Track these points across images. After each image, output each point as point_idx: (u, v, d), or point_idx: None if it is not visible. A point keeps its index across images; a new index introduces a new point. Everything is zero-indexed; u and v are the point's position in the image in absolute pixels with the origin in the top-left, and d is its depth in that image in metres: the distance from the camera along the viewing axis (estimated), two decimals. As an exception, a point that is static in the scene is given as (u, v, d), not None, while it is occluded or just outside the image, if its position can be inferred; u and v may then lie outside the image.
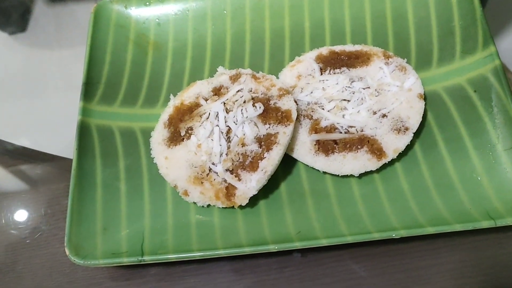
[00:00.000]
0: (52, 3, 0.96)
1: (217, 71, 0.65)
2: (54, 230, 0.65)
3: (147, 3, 0.73)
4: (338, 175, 0.57)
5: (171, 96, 0.65)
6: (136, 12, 0.73)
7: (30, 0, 0.96)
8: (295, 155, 0.59)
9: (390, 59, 0.62)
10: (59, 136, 0.77)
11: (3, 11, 0.96)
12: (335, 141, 0.58)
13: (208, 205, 0.58)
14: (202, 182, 0.57)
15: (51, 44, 0.91)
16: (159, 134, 0.62)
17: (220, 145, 0.58)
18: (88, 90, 0.66)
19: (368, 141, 0.57)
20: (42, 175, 0.71)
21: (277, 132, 0.57)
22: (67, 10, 0.95)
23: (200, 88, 0.65)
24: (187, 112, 0.62)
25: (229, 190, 0.56)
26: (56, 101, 0.83)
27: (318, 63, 0.64)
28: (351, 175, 0.57)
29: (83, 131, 0.63)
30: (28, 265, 0.63)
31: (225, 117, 0.59)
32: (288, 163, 0.60)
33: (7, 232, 0.66)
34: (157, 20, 0.73)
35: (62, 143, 0.75)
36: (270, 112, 0.58)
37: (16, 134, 0.80)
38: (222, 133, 0.58)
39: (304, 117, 0.60)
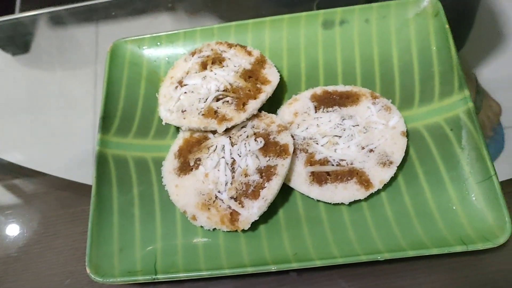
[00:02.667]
0: (54, 26, 1.01)
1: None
2: (72, 250, 0.71)
3: (158, 43, 0.80)
4: (331, 203, 0.64)
5: (180, 129, 0.71)
6: (148, 52, 0.80)
7: (34, 23, 1.00)
8: (292, 184, 0.65)
9: (376, 99, 0.69)
10: (59, 154, 0.83)
11: (7, 33, 1.01)
12: (328, 173, 0.64)
13: (214, 229, 0.64)
14: (209, 208, 0.64)
15: (53, 65, 0.96)
16: (170, 164, 0.69)
17: (226, 175, 0.64)
18: (106, 123, 0.72)
19: (357, 173, 0.64)
20: (60, 199, 0.76)
21: (276, 164, 0.64)
22: (68, 33, 1.00)
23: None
24: (196, 144, 0.69)
25: (233, 216, 0.62)
26: (56, 121, 0.87)
27: (313, 101, 0.71)
28: (342, 203, 0.64)
29: (101, 161, 0.69)
30: (48, 282, 0.68)
31: (230, 149, 0.66)
32: (285, 191, 0.66)
33: (28, 251, 0.72)
34: (167, 59, 0.80)
35: (62, 162, 0.81)
36: (270, 146, 0.65)
37: (17, 151, 0.85)
38: (227, 164, 0.65)
39: (300, 150, 0.67)
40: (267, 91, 0.70)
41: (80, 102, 0.89)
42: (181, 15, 1.00)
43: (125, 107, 0.75)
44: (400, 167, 0.65)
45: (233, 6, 0.97)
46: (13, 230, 0.75)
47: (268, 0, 0.95)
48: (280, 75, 0.73)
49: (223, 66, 0.73)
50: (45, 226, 0.74)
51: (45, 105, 0.90)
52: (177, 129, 0.74)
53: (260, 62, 0.73)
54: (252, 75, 0.72)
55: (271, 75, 0.72)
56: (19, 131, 0.88)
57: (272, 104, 0.73)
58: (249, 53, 0.74)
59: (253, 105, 0.68)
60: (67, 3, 1.01)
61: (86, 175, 0.78)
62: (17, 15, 1.02)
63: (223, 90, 0.69)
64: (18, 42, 1.00)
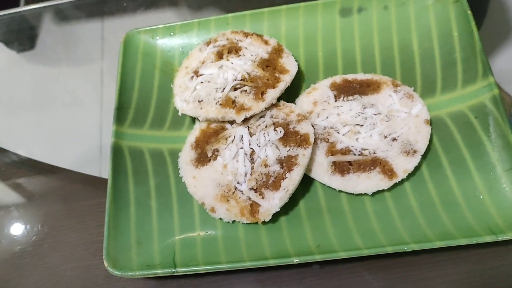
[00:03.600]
0: (59, 22, 1.00)
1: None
2: (87, 244, 0.69)
3: (172, 34, 0.79)
4: (353, 193, 0.62)
5: (197, 119, 0.70)
6: (162, 42, 0.79)
7: (39, 20, 1.00)
8: (313, 175, 0.64)
9: (398, 87, 0.68)
10: (67, 149, 0.82)
11: (13, 29, 1.00)
12: (350, 163, 0.63)
13: (234, 221, 0.63)
14: (228, 200, 0.62)
15: (58, 61, 0.95)
16: (187, 155, 0.68)
17: (245, 166, 0.63)
18: (120, 115, 0.71)
19: (380, 162, 0.62)
20: (75, 192, 0.75)
21: (297, 154, 0.62)
22: (74, 29, 0.99)
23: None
24: (213, 135, 0.67)
25: (253, 207, 0.61)
26: (62, 116, 0.87)
27: (332, 90, 0.69)
28: (365, 194, 0.62)
29: (116, 153, 0.68)
30: (64, 277, 0.67)
31: (249, 140, 0.64)
32: (306, 182, 0.65)
33: (43, 246, 0.71)
34: (181, 49, 0.79)
35: (71, 156, 0.80)
36: (289, 136, 0.64)
37: (26, 147, 0.84)
38: (246, 154, 0.64)
39: (321, 140, 0.65)
40: (286, 80, 0.68)
41: (86, 98, 0.88)
42: (187, 10, 0.98)
43: (140, 98, 0.74)
44: (424, 156, 0.63)
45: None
46: (27, 224, 0.73)
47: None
48: (298, 64, 0.71)
49: (240, 55, 0.71)
50: (60, 220, 0.73)
51: (51, 101, 0.89)
52: (193, 120, 0.72)
53: (277, 51, 0.72)
54: (269, 65, 0.70)
55: (289, 64, 0.70)
56: (26, 127, 0.87)
57: (290, 94, 0.71)
58: (266, 42, 0.73)
59: (272, 94, 0.66)
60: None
61: (95, 169, 0.77)
62: (22, 8, 1.01)
63: (241, 80, 0.67)
64: (23, 38, 0.99)
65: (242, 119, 0.65)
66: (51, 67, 0.95)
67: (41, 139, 0.85)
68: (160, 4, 0.99)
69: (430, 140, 0.64)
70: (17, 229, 0.73)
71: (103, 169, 0.78)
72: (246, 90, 0.67)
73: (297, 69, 0.70)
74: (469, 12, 0.69)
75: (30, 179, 0.79)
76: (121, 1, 0.99)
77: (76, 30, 0.99)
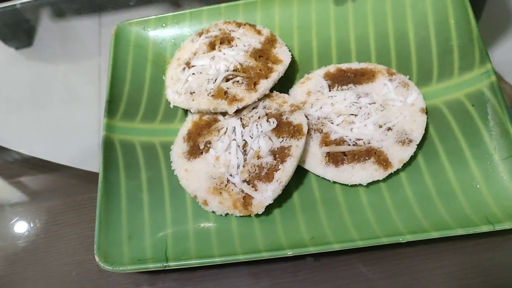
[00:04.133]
0: (56, 19, 0.99)
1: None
2: (80, 239, 0.69)
3: (163, 25, 0.78)
4: (347, 184, 0.61)
5: (189, 111, 0.69)
6: (154, 33, 0.78)
7: (36, 16, 0.99)
8: (307, 166, 0.63)
9: (393, 76, 0.66)
10: (65, 146, 0.81)
11: (9, 26, 1.00)
12: (344, 153, 0.62)
13: (226, 214, 0.62)
14: (220, 193, 0.61)
15: (56, 58, 0.95)
16: (179, 147, 0.67)
17: (237, 158, 0.62)
18: (111, 107, 0.70)
19: (375, 152, 0.61)
20: (67, 187, 0.75)
21: (290, 145, 0.61)
22: (71, 25, 0.98)
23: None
24: (205, 127, 0.66)
25: (246, 200, 0.60)
26: (60, 113, 0.86)
27: (326, 80, 0.68)
28: (360, 185, 0.61)
29: (108, 146, 0.67)
30: (57, 272, 0.67)
31: (241, 131, 0.63)
32: (300, 174, 0.64)
33: (37, 241, 0.70)
34: (173, 40, 0.78)
35: (69, 152, 0.80)
36: (283, 127, 0.63)
37: (23, 144, 0.83)
38: (239, 146, 0.63)
39: (314, 131, 0.64)
40: (279, 70, 0.67)
41: (84, 94, 0.88)
42: (183, 3, 0.97)
43: (131, 91, 0.73)
44: (420, 146, 0.62)
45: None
46: (21, 220, 0.73)
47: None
48: (291, 54, 0.70)
49: (232, 46, 0.70)
50: (53, 215, 0.72)
51: (49, 98, 0.89)
52: (186, 112, 0.71)
53: (271, 41, 0.71)
54: (262, 55, 0.69)
55: (283, 54, 0.69)
56: (24, 124, 0.86)
57: (284, 84, 0.70)
58: (259, 32, 0.72)
59: (264, 85, 0.65)
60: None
61: (92, 165, 0.76)
62: (19, 1, 1.00)
63: (233, 70, 0.66)
64: (21, 35, 0.99)
65: (234, 110, 0.64)
66: (49, 63, 0.95)
67: (39, 136, 0.84)
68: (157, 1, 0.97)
69: (426, 129, 0.63)
70: (11, 225, 0.72)
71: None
72: (238, 81, 0.66)
73: (290, 59, 0.69)
74: (466, -3, 0.68)
75: (23, 175, 0.78)
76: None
77: (73, 26, 0.98)
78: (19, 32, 0.99)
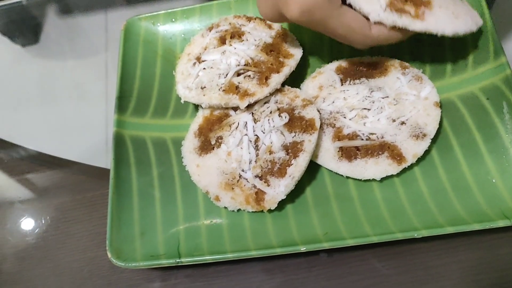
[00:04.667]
0: (63, 15, 0.99)
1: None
2: (91, 235, 0.68)
3: (173, 20, 0.77)
4: (361, 179, 0.61)
5: (200, 107, 0.68)
6: (163, 28, 0.77)
7: (42, 13, 0.99)
8: (319, 161, 0.62)
9: (406, 69, 0.66)
10: (73, 142, 0.81)
11: (16, 23, 1.00)
12: (357, 148, 0.61)
13: (239, 210, 0.61)
14: (232, 188, 0.61)
15: (63, 55, 0.94)
16: (190, 143, 0.66)
17: (249, 153, 0.61)
18: (122, 103, 0.69)
19: (389, 147, 0.60)
20: (78, 183, 0.74)
21: (303, 140, 0.61)
22: (78, 21, 0.98)
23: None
24: (217, 122, 0.66)
25: (259, 195, 0.59)
26: (69, 111, 0.86)
27: (338, 74, 0.67)
28: (373, 179, 0.60)
29: (118, 142, 0.66)
30: (68, 269, 0.67)
31: (253, 126, 0.63)
32: (312, 169, 0.63)
33: (47, 238, 0.70)
34: (183, 35, 0.77)
35: (77, 149, 0.79)
36: (295, 121, 0.62)
37: (32, 140, 0.82)
38: (250, 141, 0.62)
39: (327, 125, 0.63)
40: (291, 64, 0.66)
41: (92, 90, 0.87)
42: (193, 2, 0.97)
43: (141, 87, 0.73)
44: (434, 140, 0.61)
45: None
46: (31, 217, 0.73)
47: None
48: (302, 49, 0.69)
49: (243, 40, 0.69)
50: (63, 211, 0.72)
51: (57, 95, 0.88)
52: (196, 107, 0.71)
53: (282, 36, 0.70)
54: (273, 49, 0.68)
55: (294, 49, 0.68)
56: (32, 121, 0.86)
57: (295, 79, 0.69)
58: (270, 26, 0.71)
59: (276, 79, 0.64)
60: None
61: (100, 164, 0.76)
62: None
63: (244, 65, 0.66)
64: (27, 32, 0.98)
65: (246, 105, 0.63)
66: (56, 60, 0.94)
67: (47, 132, 0.84)
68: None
69: (440, 123, 0.62)
70: (21, 222, 0.72)
71: (109, 160, 0.77)
72: (249, 76, 0.65)
73: (301, 53, 0.68)
74: (479, -11, 0.67)
75: (32, 172, 0.78)
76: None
77: (79, 22, 0.98)
78: (26, 29, 0.99)
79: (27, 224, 0.72)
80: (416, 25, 0.57)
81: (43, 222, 0.71)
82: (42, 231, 0.71)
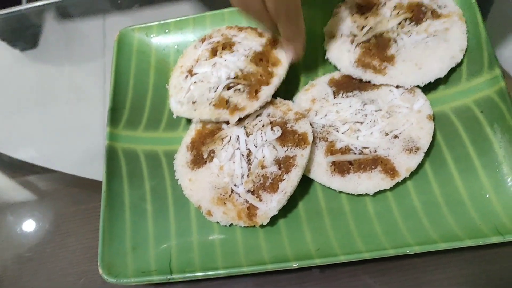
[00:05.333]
0: (61, 20, 0.98)
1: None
2: (85, 249, 0.68)
3: (167, 31, 0.77)
4: (354, 194, 0.60)
5: (193, 120, 0.68)
6: (157, 40, 0.77)
7: (40, 18, 0.98)
8: (312, 175, 0.62)
9: (399, 82, 0.65)
10: (70, 149, 0.80)
11: (15, 28, 0.99)
12: (350, 162, 0.60)
13: (231, 225, 0.61)
14: (225, 203, 0.60)
15: (61, 59, 0.94)
16: (183, 156, 0.66)
17: (242, 167, 0.61)
18: (114, 116, 0.69)
19: (382, 161, 0.60)
20: (71, 196, 0.74)
21: (295, 155, 0.60)
22: (76, 26, 0.98)
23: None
24: (209, 135, 0.65)
25: (251, 210, 0.59)
26: (66, 115, 0.85)
27: (331, 86, 0.67)
28: (366, 194, 0.60)
29: (111, 155, 0.66)
30: (61, 283, 0.66)
31: (245, 140, 0.62)
32: (305, 183, 0.63)
33: (40, 251, 0.69)
34: (176, 46, 0.77)
35: (73, 157, 0.79)
36: (287, 135, 0.62)
37: (28, 147, 0.82)
38: (243, 155, 0.62)
39: (319, 139, 0.63)
40: (280, 74, 0.65)
41: (89, 95, 0.87)
42: (190, 5, 0.96)
43: (134, 99, 0.72)
44: (427, 154, 0.61)
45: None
46: (25, 229, 0.72)
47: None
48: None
49: (233, 51, 0.69)
50: (57, 224, 0.72)
51: (55, 99, 0.88)
52: (189, 120, 0.70)
53: (272, 42, 0.69)
54: (263, 57, 0.67)
55: (282, 55, 0.68)
56: (30, 126, 0.86)
57: (288, 91, 0.69)
58: (260, 35, 0.70)
59: (266, 92, 0.64)
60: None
61: (98, 170, 0.74)
62: (24, 6, 1.00)
63: (234, 77, 0.65)
64: (26, 37, 0.98)
65: (236, 119, 0.63)
66: (54, 65, 0.94)
67: (43, 138, 0.84)
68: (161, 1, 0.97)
69: (434, 137, 0.62)
70: (14, 234, 0.72)
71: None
72: (239, 89, 0.65)
73: (290, 59, 0.67)
74: (473, 1, 0.66)
75: (27, 183, 0.78)
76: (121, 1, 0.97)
77: (78, 27, 0.98)
78: (24, 33, 0.99)
79: (21, 236, 0.72)
80: (378, 79, 0.64)
81: (36, 234, 0.71)
82: (35, 244, 0.70)
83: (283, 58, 0.67)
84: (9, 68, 0.96)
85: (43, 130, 0.85)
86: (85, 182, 0.75)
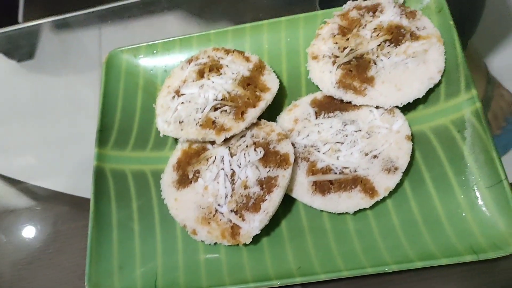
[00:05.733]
0: (58, 30, 1.00)
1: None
2: (73, 267, 0.70)
3: (154, 52, 0.79)
4: (334, 213, 0.62)
5: (179, 140, 0.70)
6: (145, 61, 0.79)
7: (37, 29, 1.00)
8: (294, 195, 0.63)
9: (379, 102, 0.67)
10: (66, 159, 0.82)
11: (12, 40, 1.01)
12: (330, 182, 0.62)
13: (215, 243, 0.62)
14: (209, 222, 0.62)
15: (57, 70, 0.95)
16: (169, 176, 0.67)
17: (225, 187, 0.62)
18: (102, 136, 0.71)
19: (361, 181, 0.61)
20: (61, 214, 0.75)
21: (277, 175, 0.62)
22: (73, 36, 0.99)
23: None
24: (195, 155, 0.67)
25: (234, 230, 0.61)
26: (62, 126, 0.87)
27: (313, 107, 0.69)
28: (346, 213, 0.61)
29: (99, 176, 0.68)
30: (50, 301, 0.68)
31: (229, 160, 0.64)
32: (287, 202, 0.64)
33: (30, 269, 0.71)
34: (164, 67, 0.78)
35: (70, 167, 0.81)
36: (270, 156, 0.63)
37: (24, 157, 0.84)
38: (227, 176, 0.63)
39: (301, 159, 0.65)
40: (267, 98, 0.67)
41: (85, 106, 0.88)
42: (182, 17, 0.98)
43: (122, 119, 0.74)
44: (406, 173, 0.63)
45: (230, 10, 0.95)
46: (14, 246, 0.74)
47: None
48: (280, 81, 0.71)
49: (221, 73, 0.70)
50: (46, 242, 0.73)
51: (51, 110, 0.90)
52: (175, 139, 0.72)
53: (259, 68, 0.71)
54: (251, 82, 0.69)
55: (271, 82, 0.70)
56: (25, 137, 0.87)
57: (272, 111, 0.71)
58: (247, 59, 0.72)
59: (252, 114, 0.66)
60: (69, 9, 1.00)
61: (86, 193, 0.76)
62: (21, 25, 1.02)
63: (221, 99, 0.67)
64: (23, 48, 1.00)
65: (222, 139, 0.64)
66: (50, 76, 0.96)
67: (40, 148, 0.86)
68: (156, 12, 0.98)
69: (413, 156, 0.63)
70: (3, 252, 0.73)
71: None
72: (226, 110, 0.66)
73: (278, 86, 0.69)
74: (451, 22, 0.68)
75: (17, 200, 0.79)
76: (113, 15, 0.98)
77: (74, 38, 0.99)
78: (21, 45, 1.00)
79: (10, 255, 0.73)
80: (358, 100, 0.66)
81: (25, 253, 0.72)
82: (25, 262, 0.72)
83: (272, 85, 0.69)
84: (6, 79, 0.97)
85: (39, 140, 0.86)
86: (74, 200, 0.77)
